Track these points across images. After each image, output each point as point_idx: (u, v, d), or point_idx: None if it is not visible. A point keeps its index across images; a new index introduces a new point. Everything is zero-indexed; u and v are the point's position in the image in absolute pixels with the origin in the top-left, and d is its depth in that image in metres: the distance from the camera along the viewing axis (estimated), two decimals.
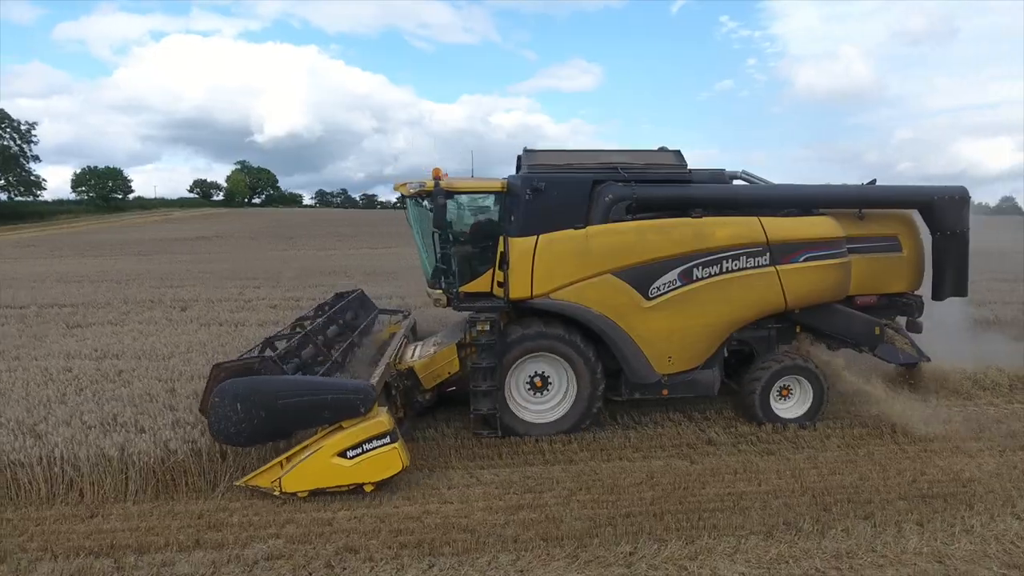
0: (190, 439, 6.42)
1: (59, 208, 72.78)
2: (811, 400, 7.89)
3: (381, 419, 6.18)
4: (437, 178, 7.48)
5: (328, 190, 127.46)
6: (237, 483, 6.12)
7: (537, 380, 7.71)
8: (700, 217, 7.62)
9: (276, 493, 5.99)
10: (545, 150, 8.16)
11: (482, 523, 5.58)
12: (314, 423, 6.15)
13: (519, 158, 8.53)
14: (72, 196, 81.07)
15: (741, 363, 8.36)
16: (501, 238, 7.68)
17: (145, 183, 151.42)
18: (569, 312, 7.41)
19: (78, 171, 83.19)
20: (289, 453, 6.11)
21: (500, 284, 7.69)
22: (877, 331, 8.15)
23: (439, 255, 7.98)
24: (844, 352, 8.49)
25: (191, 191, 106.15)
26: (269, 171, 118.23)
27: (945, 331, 9.34)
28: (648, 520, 5.56)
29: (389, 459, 6.09)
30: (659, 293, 7.48)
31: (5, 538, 5.41)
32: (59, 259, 27.46)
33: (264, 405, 5.92)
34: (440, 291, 8.00)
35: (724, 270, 7.58)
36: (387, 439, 6.09)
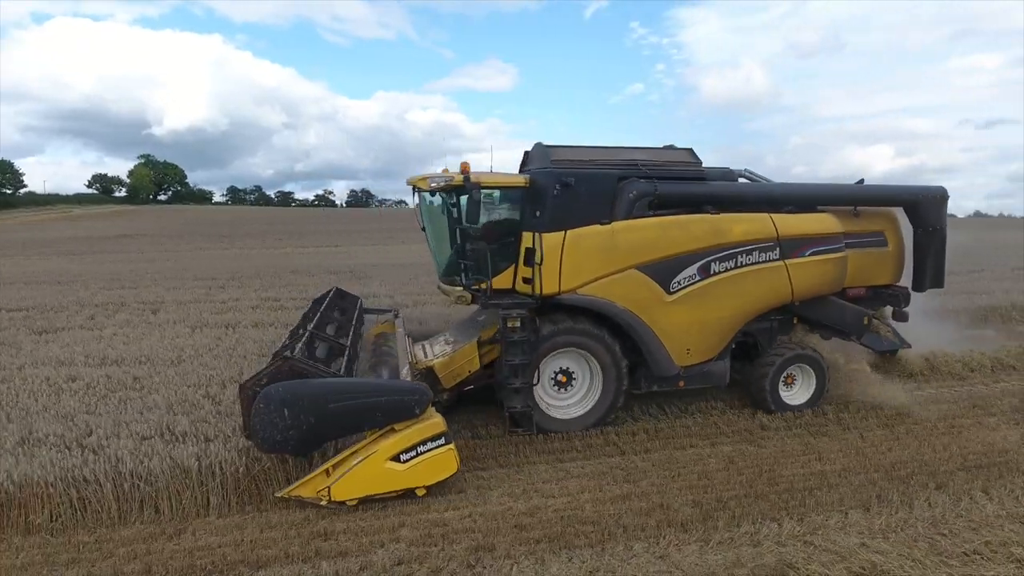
0: None
1: None
2: (814, 387, 8.37)
3: (436, 420, 6.01)
4: (466, 172, 7.35)
5: (240, 187, 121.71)
6: (278, 495, 5.78)
7: (561, 376, 7.73)
8: (714, 214, 7.88)
9: (323, 503, 5.67)
10: (565, 146, 8.09)
11: (599, 514, 5.66)
12: (365, 427, 5.89)
13: (526, 154, 8.64)
14: None
15: (739, 355, 8.58)
16: (524, 234, 7.64)
17: (30, 177, 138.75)
18: (597, 307, 7.45)
19: None
20: (335, 460, 5.80)
21: (526, 280, 7.61)
22: (866, 321, 8.74)
23: (465, 251, 7.77)
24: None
25: (90, 186, 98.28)
26: (176, 166, 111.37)
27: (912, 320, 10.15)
28: (754, 502, 5.84)
29: (445, 461, 5.93)
30: (680, 287, 7.66)
31: (97, 562, 4.96)
32: None
33: (313, 410, 5.55)
34: (460, 288, 7.83)
35: (739, 264, 7.86)
36: (442, 440, 5.92)
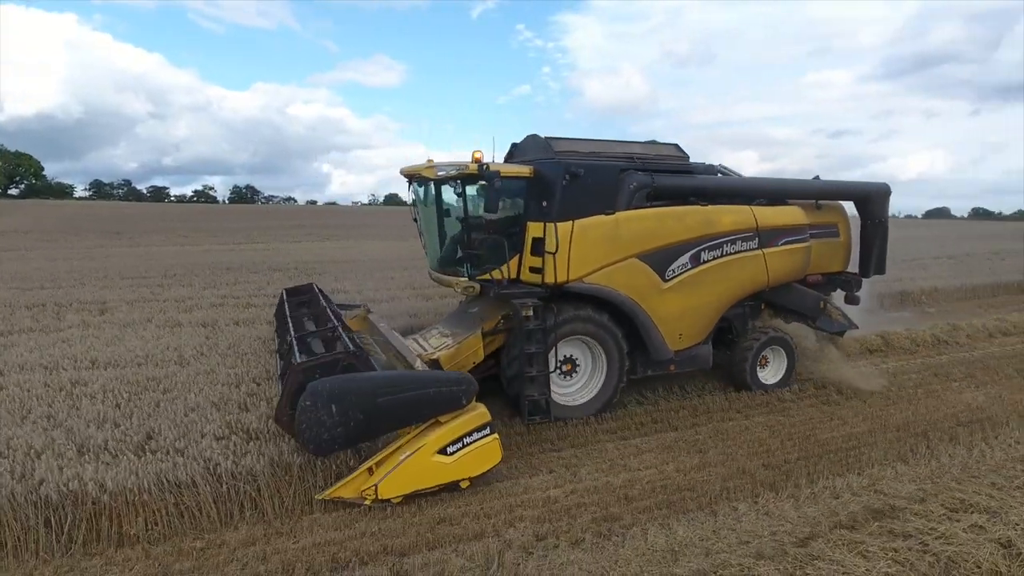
0: None
1: None
2: (785, 367, 9.10)
3: (481, 410, 5.96)
4: (480, 161, 7.40)
5: (104, 180, 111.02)
6: (318, 497, 5.53)
7: (566, 364, 7.91)
8: (704, 206, 8.41)
9: (367, 503, 5.48)
10: (568, 138, 8.22)
11: (691, 481, 6.12)
12: (413, 420, 5.74)
13: (514, 146, 8.86)
14: None
15: (715, 340, 8.92)
16: (531, 224, 7.75)
17: None
18: (603, 295, 7.68)
19: None
20: (378, 458, 5.63)
21: (533, 270, 7.71)
22: (822, 305, 9.72)
23: (471, 241, 7.75)
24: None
25: None
26: (31, 157, 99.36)
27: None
28: (815, 462, 6.53)
29: (490, 451, 5.88)
30: (674, 275, 8.06)
31: (222, 567, 4.72)
32: None
33: (362, 405, 5.33)
34: (466, 279, 7.85)
35: (725, 253, 8.39)
36: (487, 430, 5.87)
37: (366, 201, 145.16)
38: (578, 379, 8.04)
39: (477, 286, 7.76)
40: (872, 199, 9.98)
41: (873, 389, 8.90)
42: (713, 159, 10.31)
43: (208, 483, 5.31)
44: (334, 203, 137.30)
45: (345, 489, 5.53)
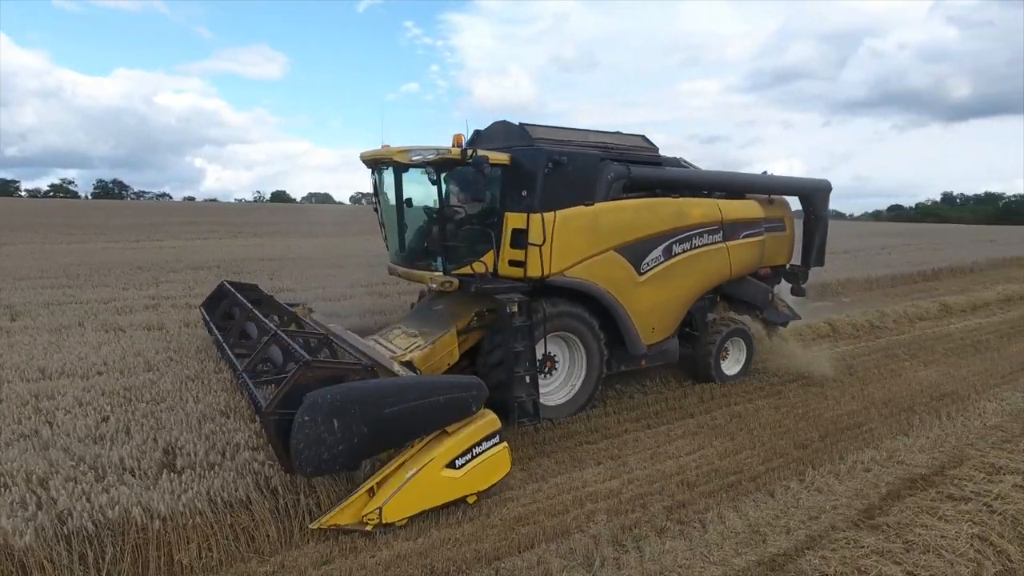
0: None
1: None
2: (744, 358, 9.27)
3: (491, 417, 5.46)
4: (461, 145, 6.94)
5: None
6: (312, 526, 4.77)
7: (547, 362, 7.49)
8: (674, 198, 8.31)
9: (368, 528, 4.80)
10: (541, 125, 7.88)
11: (737, 464, 6.30)
12: (421, 432, 5.15)
13: (477, 132, 8.29)
14: None
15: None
16: (509, 214, 7.25)
17: None
18: (584, 289, 7.40)
19: None
20: (378, 477, 4.96)
21: (513, 263, 7.24)
22: (770, 297, 9.97)
23: (445, 232, 7.21)
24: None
25: None
26: None
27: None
28: (834, 440, 6.94)
29: (500, 461, 5.42)
30: (648, 268, 7.92)
31: None
32: None
33: (367, 418, 4.70)
34: (440, 273, 7.27)
35: (694, 246, 8.38)
36: (496, 439, 5.40)
37: (250, 198, 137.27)
38: (555, 378, 7.62)
39: (455, 281, 7.20)
40: (816, 195, 10.39)
41: (827, 374, 9.34)
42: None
43: (264, 499, 4.76)
44: (214, 200, 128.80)
45: (343, 515, 4.82)
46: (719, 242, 8.69)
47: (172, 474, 4.82)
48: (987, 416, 7.70)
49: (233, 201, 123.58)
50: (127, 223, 36.89)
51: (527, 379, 6.82)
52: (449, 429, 5.24)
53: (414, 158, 6.88)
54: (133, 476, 4.78)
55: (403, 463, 5.05)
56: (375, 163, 7.74)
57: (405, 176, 7.47)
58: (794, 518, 5.26)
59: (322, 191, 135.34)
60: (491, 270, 7.28)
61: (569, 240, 7.25)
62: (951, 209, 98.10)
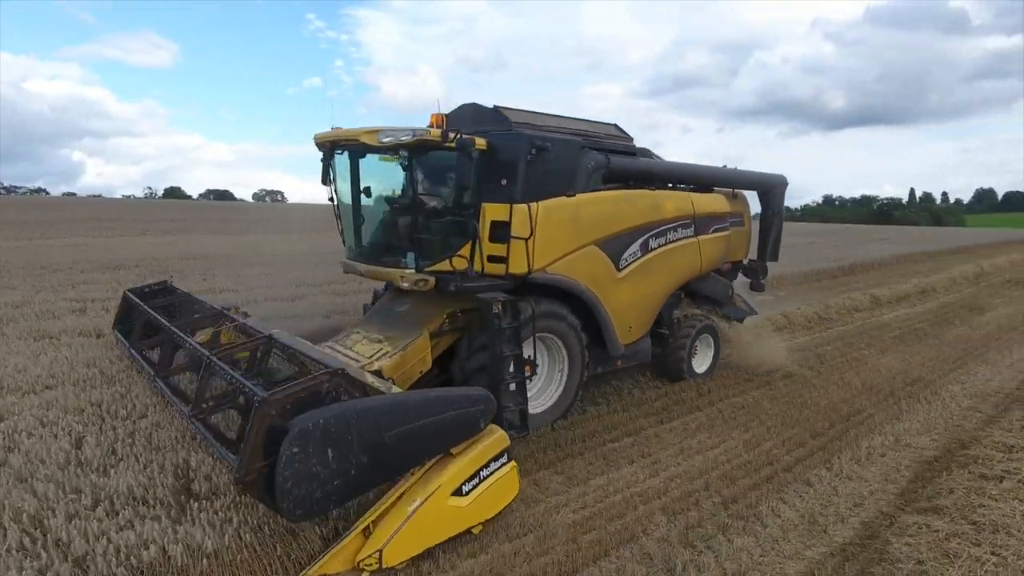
0: None
1: None
2: (712, 356, 9.07)
3: (500, 433, 4.74)
4: (442, 126, 6.19)
5: None
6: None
7: (527, 366, 6.61)
8: (649, 190, 7.99)
9: (366, 574, 4.00)
10: (517, 108, 7.27)
11: (765, 456, 6.34)
12: (426, 457, 4.39)
13: (445, 117, 6.94)
14: None
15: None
16: (488, 206, 6.51)
17: None
18: (566, 287, 6.90)
19: None
20: (374, 514, 4.15)
21: (493, 258, 6.50)
22: (730, 292, 9.81)
23: (417, 225, 6.39)
24: None
25: None
26: None
27: None
28: (842, 428, 7.14)
29: (508, 483, 4.72)
30: (626, 264, 7.50)
31: None
32: None
33: (366, 443, 3.94)
34: (412, 271, 6.36)
35: (668, 240, 8.04)
36: (505, 457, 4.71)
37: (140, 194, 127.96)
38: (534, 383, 6.93)
39: (431, 279, 6.34)
40: (774, 190, 10.19)
41: (789, 368, 9.43)
42: None
43: (318, 524, 4.19)
44: (98, 195, 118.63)
45: (334, 562, 3.98)
46: (691, 237, 8.44)
47: (197, 502, 4.15)
48: (958, 399, 8.23)
49: (120, 197, 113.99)
50: (7, 219, 32.94)
51: (513, 387, 6.12)
52: (454, 450, 4.47)
53: (385, 140, 6.01)
54: (149, 507, 4.08)
55: (402, 494, 4.23)
56: (332, 146, 6.81)
57: (363, 162, 6.72)
58: (840, 506, 5.33)
59: (220, 188, 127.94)
60: (472, 266, 6.44)
61: (552, 233, 6.68)
62: (832, 210, 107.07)
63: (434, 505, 4.20)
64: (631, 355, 7.94)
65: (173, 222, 35.95)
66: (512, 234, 6.41)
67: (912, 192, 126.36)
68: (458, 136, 6.00)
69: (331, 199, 7.33)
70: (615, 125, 8.43)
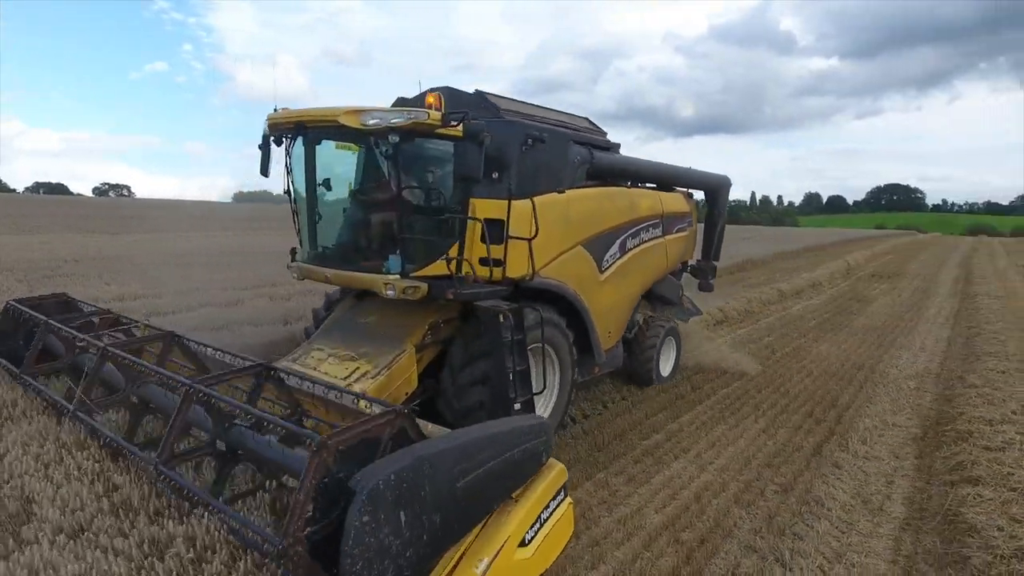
0: None
1: None
2: (675, 357, 8.97)
3: (559, 466, 3.88)
4: (440, 107, 5.29)
5: None
6: None
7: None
8: (627, 188, 7.85)
9: None
10: (503, 96, 6.67)
11: (790, 443, 6.73)
12: (493, 505, 3.51)
13: (403, 100, 6.63)
14: None
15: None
16: (479, 202, 5.70)
17: None
18: (559, 291, 6.43)
19: None
20: None
21: (486, 261, 5.69)
22: (680, 293, 9.54)
23: (402, 223, 5.48)
24: None
25: None
26: None
27: None
28: (839, 412, 7.76)
29: (566, 523, 3.86)
30: (607, 265, 7.18)
31: None
32: None
33: (439, 499, 3.10)
34: (396, 276, 5.42)
35: (642, 241, 7.83)
36: (563, 493, 3.88)
37: None
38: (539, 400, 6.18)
39: (422, 286, 5.43)
40: (721, 190, 10.06)
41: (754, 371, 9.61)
42: None
43: None
44: None
45: None
46: (660, 237, 8.31)
47: None
48: (901, 380, 9.26)
49: None
50: None
51: (518, 406, 5.37)
52: (515, 494, 3.65)
53: (370, 122, 5.12)
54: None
55: (464, 551, 3.31)
56: (294, 129, 5.79)
57: (320, 148, 5.89)
58: (878, 484, 5.80)
59: (51, 180, 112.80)
60: (461, 270, 5.65)
61: (548, 233, 6.15)
62: None
63: (503, 563, 3.36)
64: (608, 361, 7.56)
65: (25, 218, 31.16)
66: (511, 234, 5.76)
67: (753, 195, 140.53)
68: (466, 120, 5.23)
69: (287, 192, 6.29)
70: (587, 119, 8.01)
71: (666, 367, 8.82)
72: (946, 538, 4.76)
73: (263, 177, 6.23)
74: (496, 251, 5.74)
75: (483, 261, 5.71)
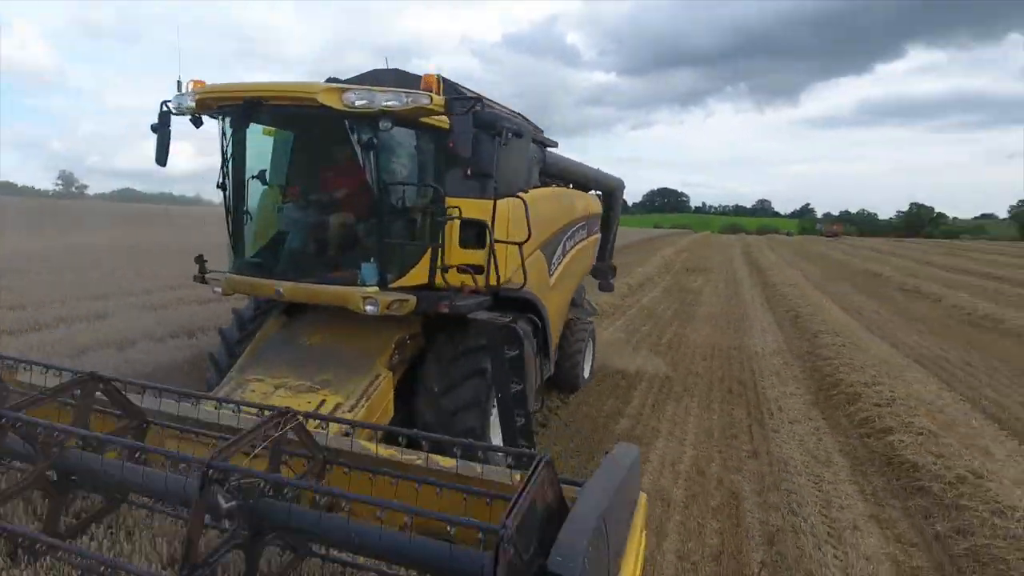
0: None
1: None
2: (591, 359, 8.91)
3: (642, 495, 3.44)
4: (439, 91, 4.67)
5: None
6: None
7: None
8: (566, 188, 7.79)
9: None
10: (457, 83, 5.49)
11: (760, 420, 7.71)
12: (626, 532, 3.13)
13: (334, 80, 5.72)
14: None
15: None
16: (459, 201, 5.06)
17: None
18: (533, 299, 6.02)
19: None
20: None
21: (465, 269, 5.06)
22: (584, 294, 9.27)
23: (383, 224, 4.82)
24: None
25: None
26: None
27: None
28: (761, 390, 8.95)
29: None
30: (554, 269, 6.83)
31: None
32: None
33: (610, 557, 2.77)
34: (375, 288, 4.72)
35: (576, 242, 7.64)
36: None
37: None
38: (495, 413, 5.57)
39: (411, 299, 4.78)
40: (616, 191, 9.99)
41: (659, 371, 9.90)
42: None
43: None
44: None
45: None
46: (585, 238, 8.14)
47: None
48: (767, 357, 10.98)
49: None
50: None
51: (524, 430, 4.97)
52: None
53: (357, 103, 4.33)
54: None
55: None
56: (237, 109, 4.80)
57: (250, 133, 5.12)
58: (812, 442, 6.95)
59: None
60: (440, 278, 5.09)
61: (521, 235, 5.49)
62: None
63: None
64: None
65: None
66: (495, 238, 5.11)
67: None
68: (475, 106, 4.49)
69: (220, 186, 5.29)
70: (521, 114, 7.02)
71: (587, 369, 8.71)
72: (896, 476, 5.96)
73: (159, 166, 5.20)
74: (474, 256, 5.11)
75: (463, 268, 5.06)
